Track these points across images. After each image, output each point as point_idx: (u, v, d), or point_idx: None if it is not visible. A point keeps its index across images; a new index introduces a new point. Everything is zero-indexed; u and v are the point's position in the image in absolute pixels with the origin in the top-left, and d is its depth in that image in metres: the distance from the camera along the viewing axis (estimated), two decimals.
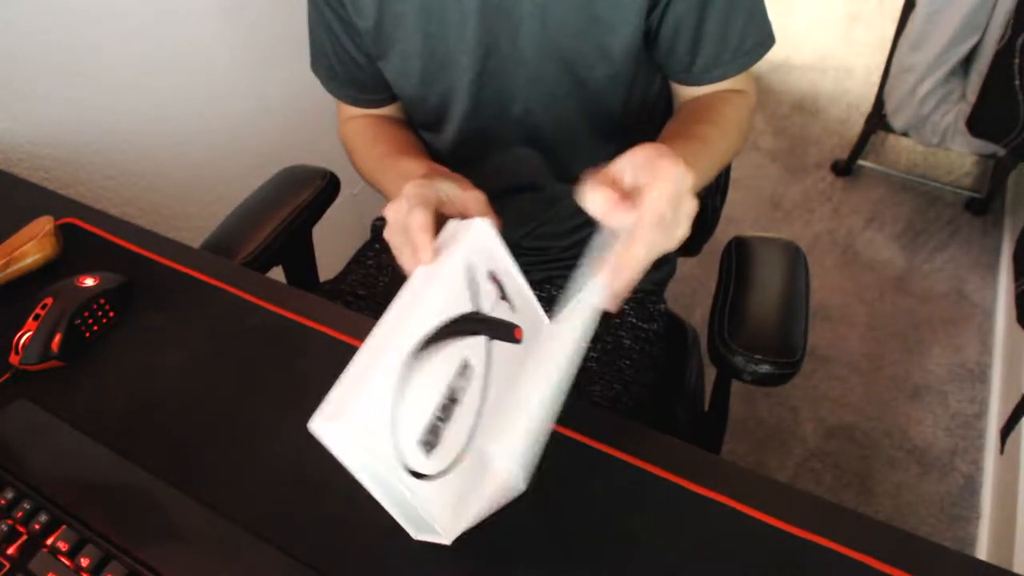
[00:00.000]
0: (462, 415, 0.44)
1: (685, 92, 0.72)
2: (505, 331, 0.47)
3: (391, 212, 0.50)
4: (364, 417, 0.38)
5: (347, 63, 0.75)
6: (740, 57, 0.67)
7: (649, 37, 0.66)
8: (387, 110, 0.81)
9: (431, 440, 0.42)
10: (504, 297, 0.50)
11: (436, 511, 0.42)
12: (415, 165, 0.65)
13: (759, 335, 0.67)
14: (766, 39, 0.68)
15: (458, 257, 0.46)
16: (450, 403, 0.43)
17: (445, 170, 0.60)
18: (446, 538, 0.43)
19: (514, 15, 0.63)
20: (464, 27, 0.65)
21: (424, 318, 0.43)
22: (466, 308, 0.46)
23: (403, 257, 0.49)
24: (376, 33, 0.69)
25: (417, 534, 0.45)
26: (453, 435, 0.43)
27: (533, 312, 0.53)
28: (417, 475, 0.40)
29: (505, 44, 0.65)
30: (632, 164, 0.45)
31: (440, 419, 0.42)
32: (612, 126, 0.73)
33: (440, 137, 0.77)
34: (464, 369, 0.45)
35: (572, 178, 0.78)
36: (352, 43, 0.73)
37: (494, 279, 0.49)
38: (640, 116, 0.74)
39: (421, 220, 0.47)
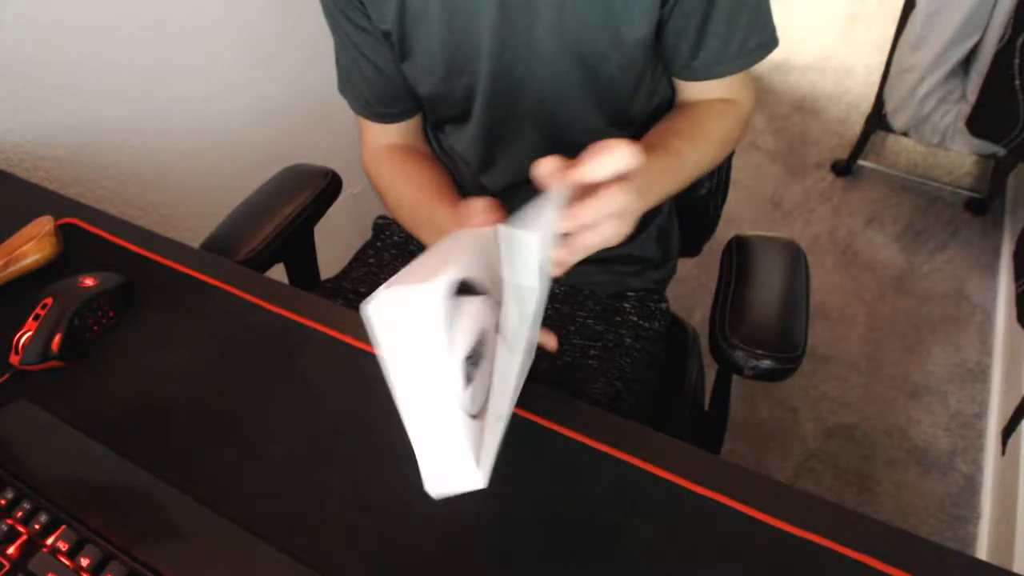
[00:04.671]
0: (484, 371, 0.44)
1: (686, 88, 0.73)
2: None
3: None
4: (426, 295, 0.36)
5: (370, 75, 0.75)
6: (743, 55, 0.68)
7: (659, 30, 0.67)
8: (413, 123, 0.82)
9: (469, 374, 0.40)
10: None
11: (482, 441, 0.40)
12: (448, 216, 0.69)
13: (760, 330, 0.67)
14: (769, 41, 0.69)
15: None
16: (476, 355, 0.43)
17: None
18: (481, 478, 0.39)
19: (533, 5, 0.64)
20: (484, 18, 0.65)
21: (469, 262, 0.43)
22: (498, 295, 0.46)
23: None
24: (399, 33, 0.69)
25: (440, 483, 0.40)
26: (480, 385, 0.43)
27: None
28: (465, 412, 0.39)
29: (522, 34, 0.66)
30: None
31: (472, 362, 0.41)
32: (622, 117, 0.73)
33: (463, 130, 0.77)
34: (483, 334, 0.44)
35: None
36: (375, 52, 0.73)
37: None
38: (648, 107, 0.75)
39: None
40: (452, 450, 0.39)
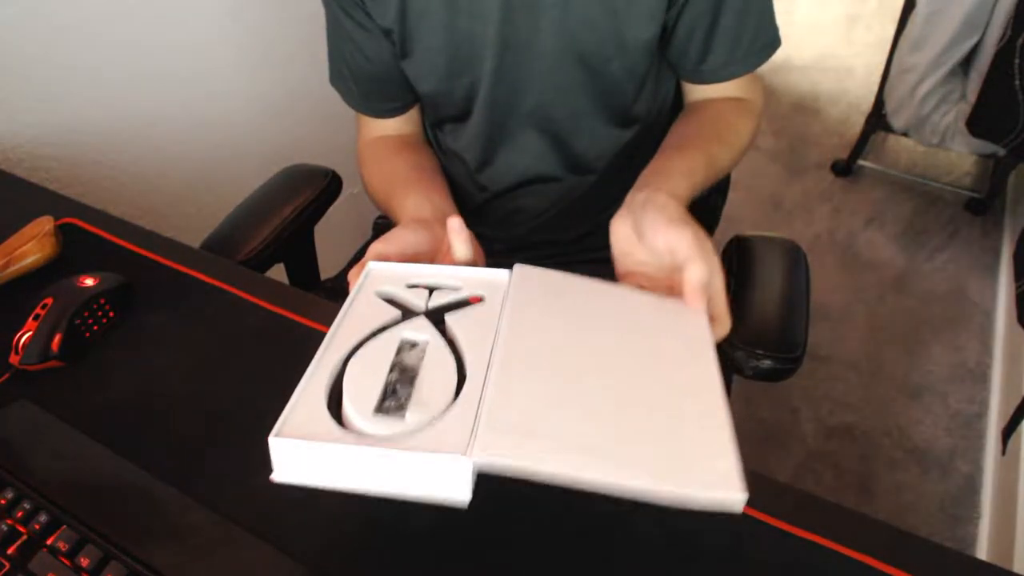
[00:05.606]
0: (433, 376, 0.45)
1: (695, 90, 0.73)
2: (457, 304, 0.50)
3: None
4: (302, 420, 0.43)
5: (367, 72, 0.75)
6: (751, 56, 0.68)
7: (664, 33, 0.67)
8: (410, 116, 0.81)
9: (393, 406, 0.43)
10: (435, 289, 0.51)
11: (447, 440, 0.41)
12: (408, 208, 0.67)
13: (760, 331, 0.67)
14: (774, 40, 0.69)
15: (361, 292, 0.50)
16: (403, 374, 0.44)
17: (424, 222, 0.61)
18: (476, 450, 0.40)
19: (537, 6, 0.64)
20: (487, 19, 0.65)
21: (342, 339, 0.47)
22: (396, 315, 0.49)
23: None
24: (401, 32, 0.69)
25: (441, 490, 0.41)
26: (430, 391, 0.44)
27: (481, 279, 0.53)
28: (392, 436, 0.41)
29: (525, 36, 0.66)
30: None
31: (395, 390, 0.44)
32: (624, 118, 0.73)
33: (462, 129, 0.77)
34: (407, 346, 0.46)
35: (582, 170, 0.79)
36: (374, 49, 0.72)
37: (413, 287, 0.51)
38: (651, 108, 0.75)
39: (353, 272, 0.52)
40: (425, 467, 0.40)
